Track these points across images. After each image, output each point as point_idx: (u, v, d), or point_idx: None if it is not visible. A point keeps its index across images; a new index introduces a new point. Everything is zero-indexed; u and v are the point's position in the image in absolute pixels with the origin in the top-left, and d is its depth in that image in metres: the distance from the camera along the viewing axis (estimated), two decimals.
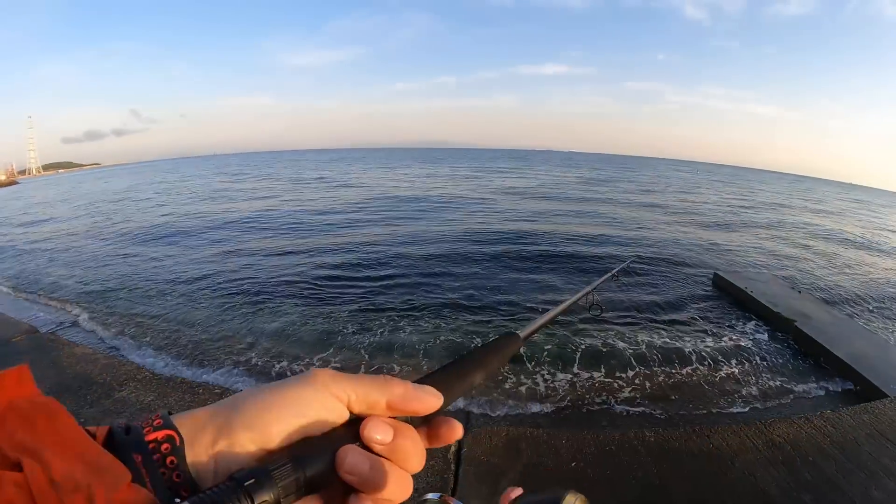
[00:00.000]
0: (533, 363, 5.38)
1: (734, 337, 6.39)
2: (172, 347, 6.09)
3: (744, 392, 5.02)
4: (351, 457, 0.30)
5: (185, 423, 0.30)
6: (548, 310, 0.69)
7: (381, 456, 0.31)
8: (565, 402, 4.70)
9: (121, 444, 0.28)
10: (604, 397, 4.81)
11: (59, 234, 15.80)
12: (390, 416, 0.33)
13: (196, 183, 37.46)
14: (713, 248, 12.84)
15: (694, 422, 4.32)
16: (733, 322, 6.94)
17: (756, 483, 2.82)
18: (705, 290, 8.46)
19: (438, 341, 6.19)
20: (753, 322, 6.95)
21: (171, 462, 0.28)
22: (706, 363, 5.64)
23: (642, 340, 6.17)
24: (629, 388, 4.98)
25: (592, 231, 14.19)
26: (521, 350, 0.69)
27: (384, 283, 8.73)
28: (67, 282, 9.54)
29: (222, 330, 6.70)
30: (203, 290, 8.59)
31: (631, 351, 5.87)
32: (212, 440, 0.30)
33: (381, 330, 6.58)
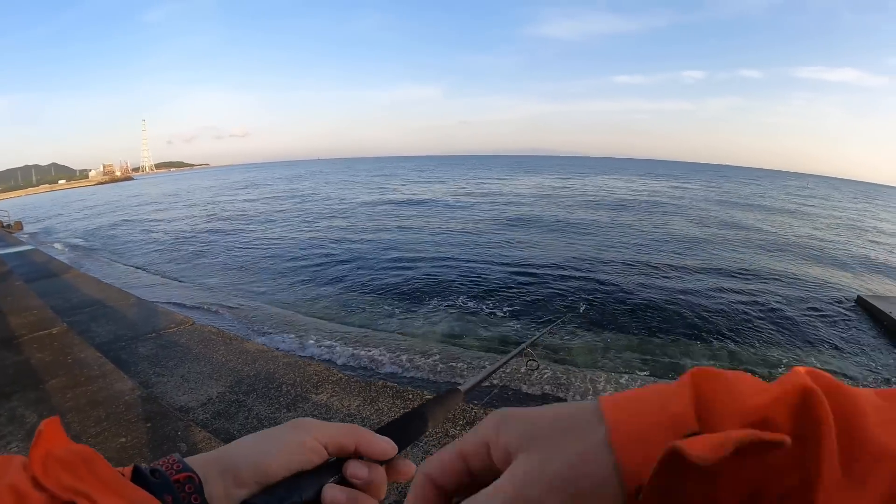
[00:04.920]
0: None
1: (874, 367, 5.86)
2: (359, 346, 5.26)
3: None
4: (332, 493, 0.36)
5: (197, 465, 0.35)
6: (485, 367, 0.83)
7: (358, 488, 0.38)
8: None
9: (152, 485, 0.32)
10: None
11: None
12: (359, 458, 0.39)
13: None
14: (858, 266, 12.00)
15: None
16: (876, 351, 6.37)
17: None
18: (846, 314, 7.88)
19: None
20: None
21: (195, 499, 0.33)
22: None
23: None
24: None
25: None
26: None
27: None
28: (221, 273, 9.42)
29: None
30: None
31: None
32: (222, 479, 0.35)
33: None
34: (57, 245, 14.68)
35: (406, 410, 0.47)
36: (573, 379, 4.69)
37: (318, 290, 8.54)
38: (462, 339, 6.12)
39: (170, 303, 6.84)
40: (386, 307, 7.42)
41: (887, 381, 5.40)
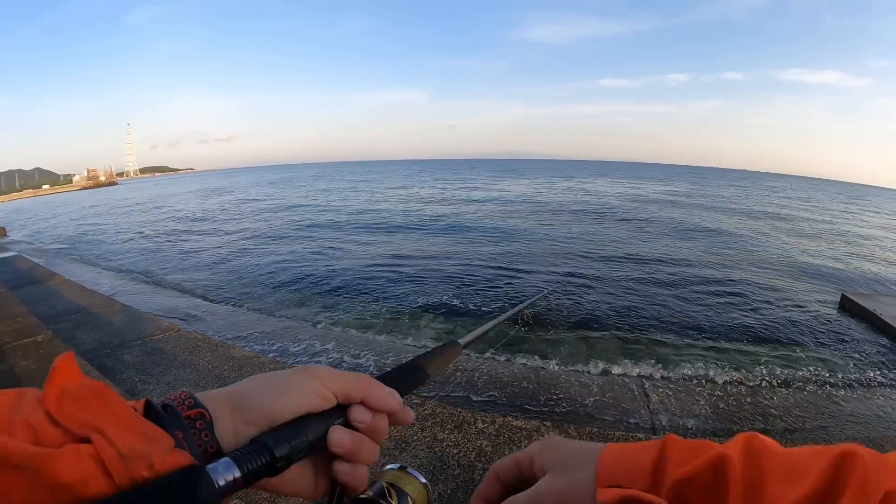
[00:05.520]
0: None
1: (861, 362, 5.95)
2: (346, 350, 5.31)
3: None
4: (338, 434, 0.39)
5: (208, 402, 0.36)
6: (486, 322, 0.78)
7: (361, 432, 0.40)
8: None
9: (163, 420, 0.33)
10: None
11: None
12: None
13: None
14: (841, 266, 12.18)
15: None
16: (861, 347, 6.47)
17: None
18: (830, 312, 7.98)
19: None
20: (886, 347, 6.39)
21: (206, 435, 0.34)
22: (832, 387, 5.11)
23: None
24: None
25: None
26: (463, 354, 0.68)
27: None
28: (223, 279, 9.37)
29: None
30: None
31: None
32: (231, 416, 0.36)
33: None
34: (41, 251, 14.44)
35: (408, 359, 0.50)
36: (561, 373, 4.80)
37: (303, 294, 8.54)
38: (451, 338, 6.19)
39: (155, 309, 6.81)
40: (373, 310, 7.46)
41: (872, 374, 5.52)
